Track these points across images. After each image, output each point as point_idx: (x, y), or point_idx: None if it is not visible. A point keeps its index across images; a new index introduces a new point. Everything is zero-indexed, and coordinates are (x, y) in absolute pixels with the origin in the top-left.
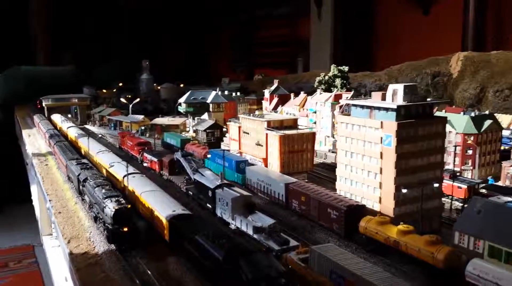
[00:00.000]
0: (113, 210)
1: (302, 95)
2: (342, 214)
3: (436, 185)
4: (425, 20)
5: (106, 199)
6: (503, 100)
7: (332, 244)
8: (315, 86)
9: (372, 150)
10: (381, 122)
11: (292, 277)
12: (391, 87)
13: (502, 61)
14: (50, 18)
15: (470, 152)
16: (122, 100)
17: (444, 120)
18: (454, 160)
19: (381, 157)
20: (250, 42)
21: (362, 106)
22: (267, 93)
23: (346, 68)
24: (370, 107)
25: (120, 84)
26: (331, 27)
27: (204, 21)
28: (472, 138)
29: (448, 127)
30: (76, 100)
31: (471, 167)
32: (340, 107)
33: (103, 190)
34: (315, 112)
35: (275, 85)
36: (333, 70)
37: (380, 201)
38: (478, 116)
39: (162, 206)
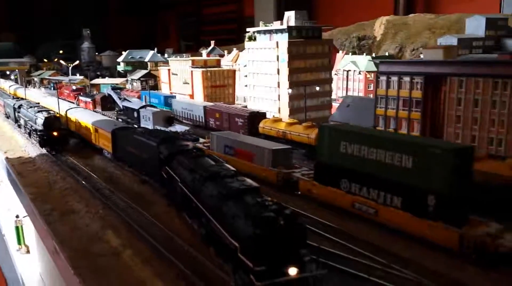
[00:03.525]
0: (43, 118)
1: (235, 51)
2: (246, 119)
3: (317, 88)
4: None
5: (38, 113)
6: (418, 57)
7: (229, 131)
8: (244, 42)
9: (271, 68)
10: (277, 42)
11: None
12: (287, 14)
13: (418, 23)
14: None
15: (371, 87)
16: (62, 62)
17: (330, 42)
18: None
19: (278, 73)
20: (198, 19)
21: (264, 32)
22: (204, 54)
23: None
24: (270, 31)
25: (61, 51)
26: (273, 2)
27: None
28: (372, 75)
29: (353, 67)
30: (15, 64)
31: None
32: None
33: (36, 108)
34: (245, 66)
35: (212, 46)
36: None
37: (279, 111)
38: (378, 56)
39: (104, 123)
